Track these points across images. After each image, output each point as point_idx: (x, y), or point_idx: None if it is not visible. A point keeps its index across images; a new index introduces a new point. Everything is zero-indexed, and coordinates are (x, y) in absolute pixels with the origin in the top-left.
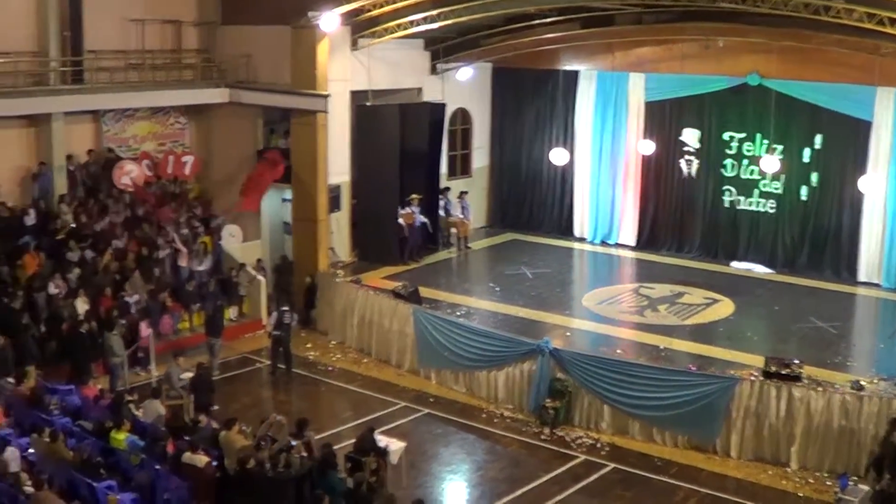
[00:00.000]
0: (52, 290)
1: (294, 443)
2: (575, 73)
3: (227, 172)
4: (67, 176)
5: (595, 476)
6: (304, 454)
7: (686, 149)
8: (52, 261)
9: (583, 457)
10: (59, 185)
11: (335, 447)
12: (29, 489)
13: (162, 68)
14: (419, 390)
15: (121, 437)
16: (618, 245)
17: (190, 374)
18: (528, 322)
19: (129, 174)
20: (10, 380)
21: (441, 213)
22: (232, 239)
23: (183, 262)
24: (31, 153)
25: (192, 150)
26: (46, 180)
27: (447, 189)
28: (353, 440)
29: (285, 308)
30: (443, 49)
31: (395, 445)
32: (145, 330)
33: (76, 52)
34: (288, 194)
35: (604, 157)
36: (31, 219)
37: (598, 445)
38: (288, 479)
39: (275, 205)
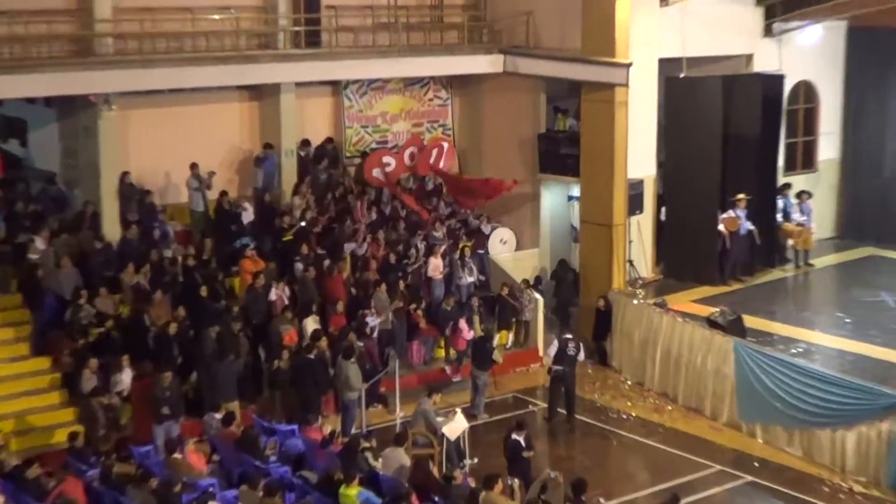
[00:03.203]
0: (273, 297)
1: None
2: None
3: (499, 161)
4: (298, 163)
5: None
6: None
7: None
8: (277, 266)
9: None
10: (286, 173)
11: None
12: None
13: (418, 29)
14: (740, 450)
15: (352, 493)
16: None
17: (443, 419)
18: (888, 366)
19: (386, 167)
20: (217, 415)
21: (779, 217)
22: (502, 246)
23: (436, 274)
24: (254, 133)
25: (450, 136)
26: (271, 166)
27: (787, 186)
28: None
29: (568, 336)
30: (781, 4)
31: None
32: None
33: (312, 8)
34: (576, 191)
35: None
36: (248, 215)
37: None
38: None
39: (559, 203)
